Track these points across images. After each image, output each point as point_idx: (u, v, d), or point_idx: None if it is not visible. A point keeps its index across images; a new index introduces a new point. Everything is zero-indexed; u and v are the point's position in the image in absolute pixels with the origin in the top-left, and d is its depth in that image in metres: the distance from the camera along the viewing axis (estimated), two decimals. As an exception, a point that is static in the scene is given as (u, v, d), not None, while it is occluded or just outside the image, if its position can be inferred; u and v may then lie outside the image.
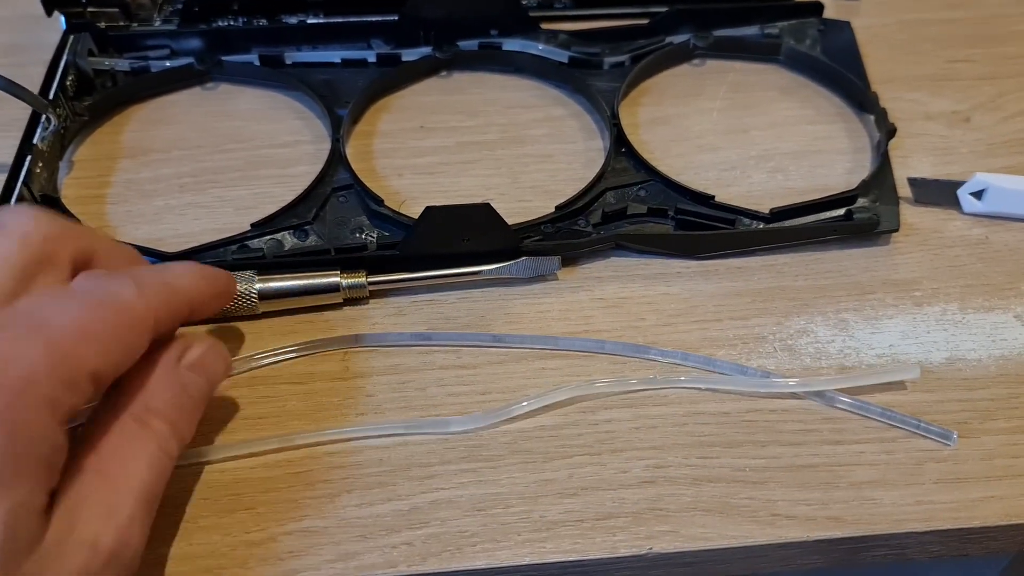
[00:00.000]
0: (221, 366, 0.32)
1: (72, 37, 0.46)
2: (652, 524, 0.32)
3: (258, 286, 0.37)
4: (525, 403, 0.34)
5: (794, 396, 0.35)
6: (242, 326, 0.37)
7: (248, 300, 0.37)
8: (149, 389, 0.29)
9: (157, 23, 0.49)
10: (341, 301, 0.38)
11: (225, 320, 0.37)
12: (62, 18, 0.47)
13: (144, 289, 0.28)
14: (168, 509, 0.32)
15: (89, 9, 0.47)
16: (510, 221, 0.38)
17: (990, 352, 0.37)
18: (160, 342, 0.30)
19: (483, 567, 0.31)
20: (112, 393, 0.29)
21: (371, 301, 0.39)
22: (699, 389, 0.35)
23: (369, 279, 0.38)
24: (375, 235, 0.40)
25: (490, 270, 0.38)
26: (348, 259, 0.38)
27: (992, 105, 0.47)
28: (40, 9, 0.46)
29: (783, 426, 0.34)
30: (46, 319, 0.26)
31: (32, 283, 0.28)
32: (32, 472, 0.24)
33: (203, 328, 0.37)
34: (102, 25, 0.47)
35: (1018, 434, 0.34)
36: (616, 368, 0.36)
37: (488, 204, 0.37)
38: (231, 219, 0.40)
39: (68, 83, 0.45)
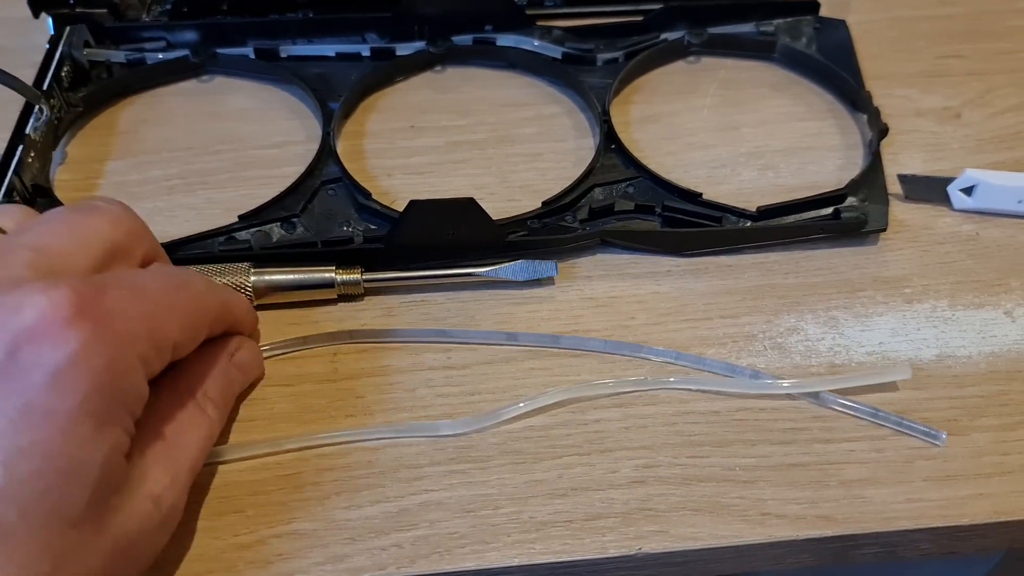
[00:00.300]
0: (258, 368, 0.36)
1: (68, 28, 0.46)
2: (642, 524, 0.32)
3: (253, 279, 0.37)
4: (522, 404, 0.35)
5: (787, 396, 0.35)
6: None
7: (242, 292, 0.37)
8: (207, 377, 0.32)
9: (148, 20, 0.48)
10: (335, 297, 0.38)
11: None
12: (50, 20, 0.47)
13: (211, 284, 0.33)
14: (157, 512, 0.32)
15: (77, 10, 0.47)
16: (499, 218, 0.39)
17: (980, 349, 0.37)
18: (211, 338, 0.33)
19: (472, 569, 0.31)
20: (171, 374, 0.31)
21: (364, 299, 0.38)
22: (690, 390, 0.35)
23: (364, 276, 0.38)
24: (362, 228, 0.40)
25: (486, 271, 0.38)
26: (334, 252, 0.38)
27: (982, 101, 0.47)
28: (27, 11, 0.46)
29: (773, 425, 0.34)
30: (144, 286, 0.29)
31: (113, 263, 0.30)
32: (127, 418, 0.27)
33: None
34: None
35: (1007, 431, 0.34)
36: (606, 367, 0.36)
37: (472, 199, 0.37)
38: (220, 221, 0.40)
39: (63, 74, 0.45)
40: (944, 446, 0.34)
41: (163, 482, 0.28)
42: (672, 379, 0.35)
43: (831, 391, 0.35)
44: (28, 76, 0.44)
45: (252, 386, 0.36)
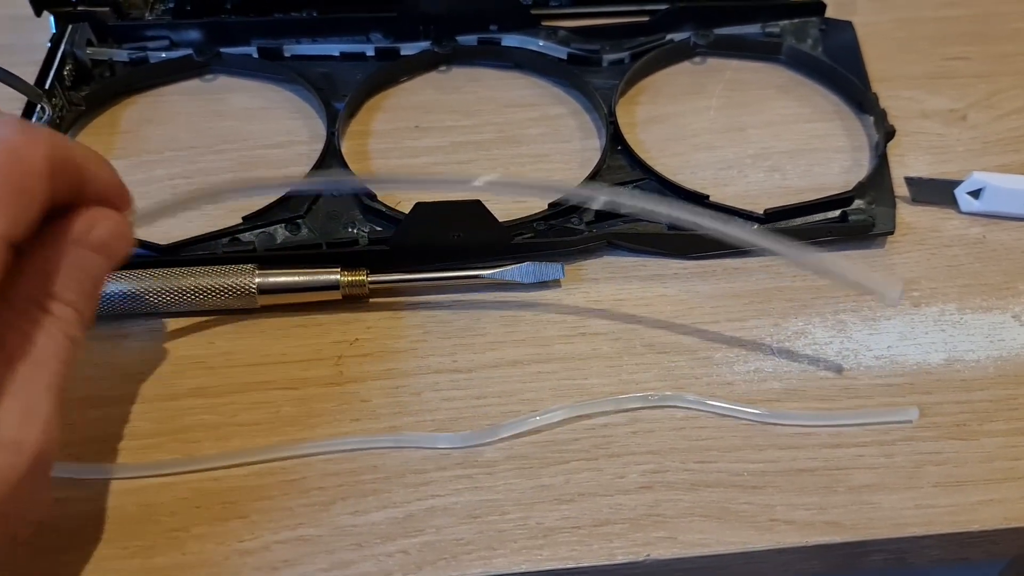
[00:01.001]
0: (123, 247, 0.29)
1: (71, 27, 0.46)
2: (650, 530, 0.31)
3: (257, 280, 0.37)
4: (536, 417, 0.34)
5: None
6: (241, 318, 0.37)
7: (247, 293, 0.37)
8: (51, 272, 0.26)
9: (150, 20, 0.48)
10: (340, 298, 0.38)
11: (225, 312, 0.37)
12: (51, 18, 0.46)
13: (34, 134, 0.25)
14: (160, 517, 0.31)
15: (79, 8, 0.47)
16: (504, 220, 0.38)
17: (988, 353, 0.37)
18: (58, 214, 0.27)
19: (479, 575, 0.30)
20: (10, 278, 0.25)
21: (370, 300, 0.38)
22: (698, 410, 0.35)
23: (369, 278, 0.37)
24: (367, 230, 0.39)
25: (492, 274, 0.38)
26: (339, 254, 0.38)
27: (988, 103, 0.47)
28: (29, 10, 0.46)
29: (780, 430, 0.34)
30: None
31: None
32: None
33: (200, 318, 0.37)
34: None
35: (1017, 436, 0.34)
36: (611, 371, 0.36)
37: (478, 200, 0.37)
38: (224, 222, 0.40)
39: (65, 73, 0.45)
40: (954, 451, 0.34)
41: (16, 424, 0.24)
42: (677, 403, 0.35)
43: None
44: (30, 74, 0.43)
45: (255, 390, 0.35)
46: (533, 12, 0.49)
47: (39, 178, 0.25)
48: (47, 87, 0.43)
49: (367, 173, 0.43)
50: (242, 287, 0.36)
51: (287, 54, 0.47)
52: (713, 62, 0.49)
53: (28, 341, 0.25)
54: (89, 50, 0.46)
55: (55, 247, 0.27)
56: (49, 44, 0.46)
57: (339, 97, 0.45)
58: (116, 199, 0.29)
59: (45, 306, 0.26)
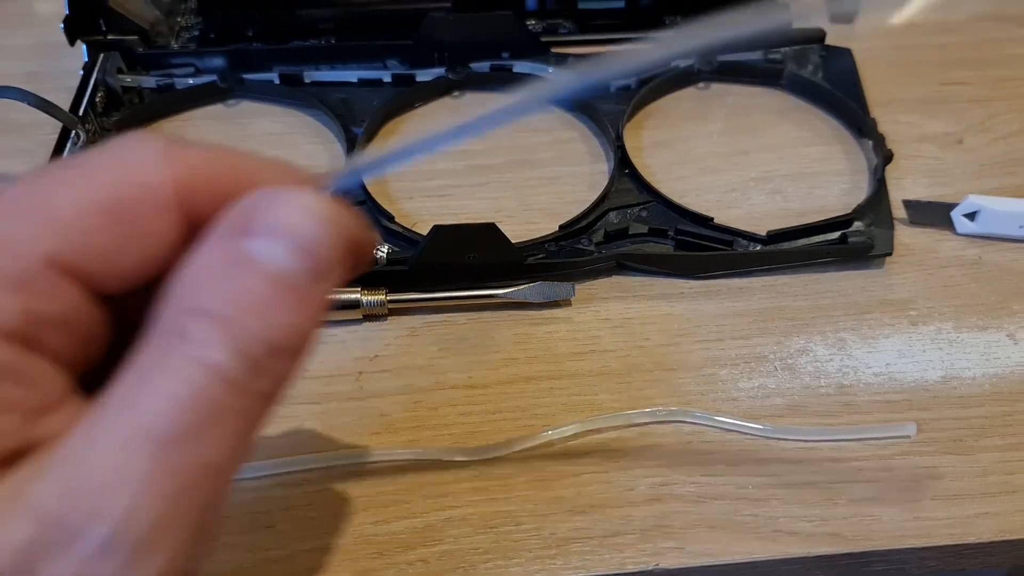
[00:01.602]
0: (325, 232, 0.19)
1: (102, 56, 0.48)
2: (658, 540, 0.33)
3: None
4: (549, 432, 0.36)
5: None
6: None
7: None
8: (188, 282, 0.18)
9: (176, 48, 0.50)
10: (360, 317, 0.39)
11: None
12: (84, 47, 0.48)
13: (164, 150, 0.20)
14: (192, 527, 0.33)
15: (109, 37, 0.49)
16: (517, 241, 0.40)
17: (984, 370, 0.38)
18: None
19: (496, 582, 0.32)
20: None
21: (388, 319, 0.40)
22: (704, 425, 0.36)
23: (388, 297, 0.39)
24: (386, 250, 0.41)
25: (505, 293, 0.39)
26: (359, 273, 0.39)
27: (984, 127, 0.48)
28: (62, 38, 0.48)
29: (783, 445, 0.36)
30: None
31: None
32: None
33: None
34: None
35: (1012, 451, 0.35)
36: (620, 387, 0.37)
37: (493, 224, 0.38)
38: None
39: (97, 100, 0.47)
40: (952, 466, 0.35)
41: (84, 496, 0.16)
42: (690, 415, 0.36)
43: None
44: (62, 100, 0.45)
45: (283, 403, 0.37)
46: (543, 40, 0.50)
47: (151, 205, 0.19)
48: (81, 114, 0.45)
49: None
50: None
51: (307, 80, 0.49)
52: (717, 87, 0.51)
53: (137, 381, 0.18)
54: (119, 77, 0.48)
55: (198, 253, 0.19)
56: (82, 72, 0.47)
57: (357, 122, 0.47)
58: (288, 179, 0.21)
59: (171, 330, 0.18)
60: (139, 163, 0.19)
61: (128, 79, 0.48)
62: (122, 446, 0.17)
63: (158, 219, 0.19)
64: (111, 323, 0.20)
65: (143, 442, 0.17)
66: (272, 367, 0.18)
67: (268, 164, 0.21)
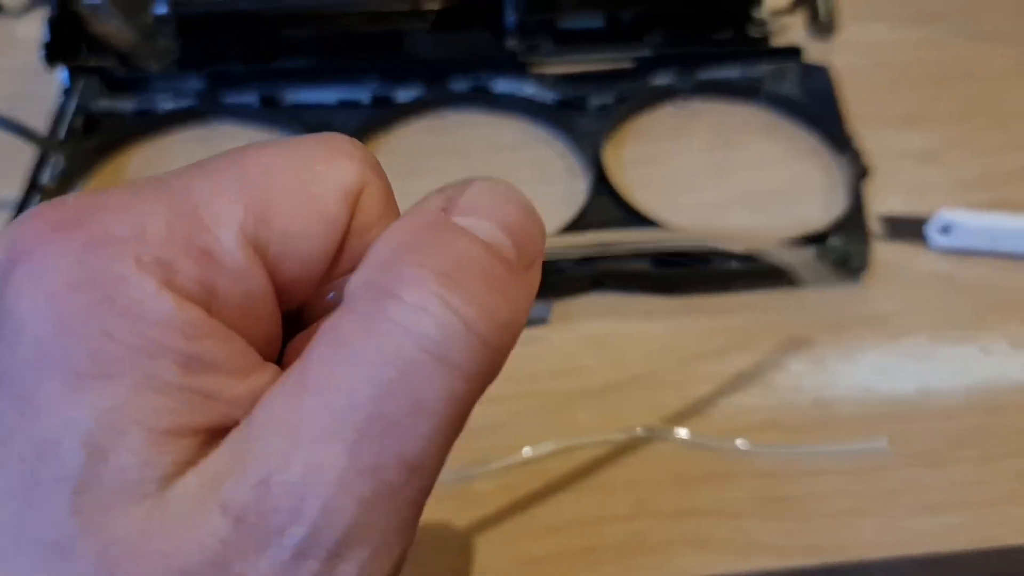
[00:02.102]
0: (530, 222, 0.18)
1: (81, 79, 0.48)
2: (635, 557, 0.33)
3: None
4: (527, 450, 0.36)
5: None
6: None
7: None
8: (395, 240, 0.17)
9: (156, 72, 0.50)
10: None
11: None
12: (64, 71, 0.49)
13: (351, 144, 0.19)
14: None
15: (89, 61, 0.49)
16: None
17: (958, 383, 0.38)
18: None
19: (472, 601, 0.32)
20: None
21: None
22: (681, 441, 0.37)
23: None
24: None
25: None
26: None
27: (961, 143, 0.49)
28: (38, 61, 0.48)
29: (760, 460, 0.36)
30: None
31: None
32: (132, 364, 0.15)
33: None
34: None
35: (984, 463, 0.36)
36: (598, 405, 0.38)
37: None
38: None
39: (77, 123, 0.47)
40: (927, 478, 0.35)
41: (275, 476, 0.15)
42: (667, 432, 0.37)
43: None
44: (41, 124, 0.46)
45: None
46: (522, 59, 0.51)
47: (327, 184, 0.17)
48: (61, 138, 0.45)
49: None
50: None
51: (286, 102, 0.49)
52: (696, 105, 0.51)
53: (332, 351, 0.16)
54: (99, 101, 0.48)
55: (402, 223, 0.17)
56: (62, 96, 0.48)
57: (337, 143, 0.47)
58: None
59: (377, 296, 0.16)
60: (337, 153, 0.18)
61: (107, 102, 0.48)
62: (319, 437, 0.15)
63: (338, 205, 0.17)
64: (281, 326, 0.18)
65: (341, 433, 0.15)
66: (492, 347, 0.16)
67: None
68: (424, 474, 0.16)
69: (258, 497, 0.15)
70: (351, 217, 0.18)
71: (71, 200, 0.16)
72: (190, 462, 0.15)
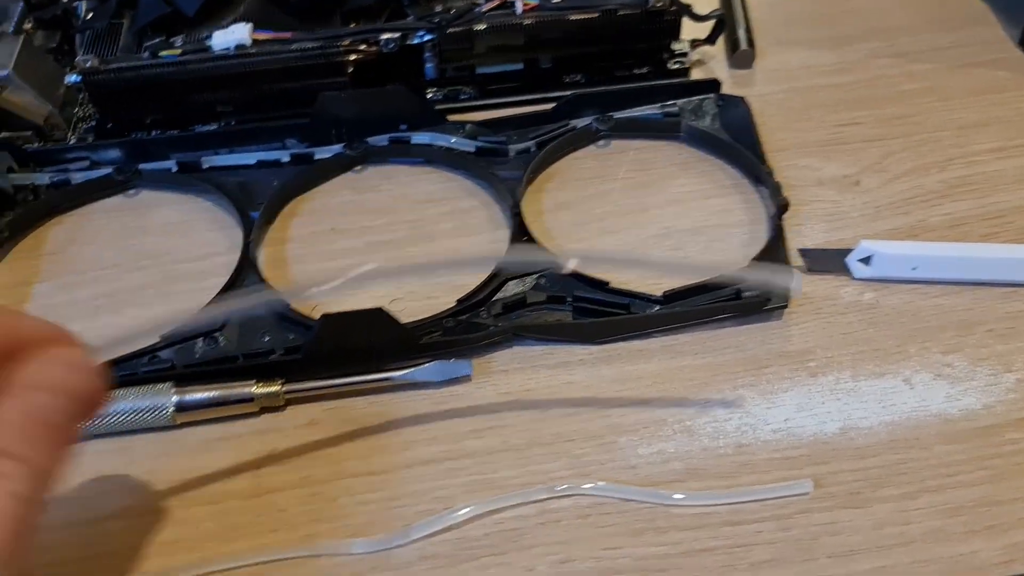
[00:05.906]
0: (84, 379, 0.27)
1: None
2: (556, 622, 0.33)
3: (175, 399, 0.38)
4: (445, 516, 0.36)
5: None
6: (163, 433, 0.39)
7: (164, 413, 0.38)
8: None
9: (72, 142, 0.50)
10: (258, 410, 0.39)
11: (143, 431, 0.39)
12: (-27, 146, 0.48)
13: None
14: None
15: (2, 134, 0.48)
16: (419, 318, 0.40)
17: (881, 418, 0.38)
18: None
19: None
20: None
21: (287, 408, 0.40)
22: (603, 496, 0.36)
23: (284, 387, 0.39)
24: (283, 339, 0.41)
25: (401, 375, 0.39)
26: (256, 365, 0.39)
27: (879, 167, 0.49)
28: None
29: (681, 511, 0.36)
30: None
31: None
32: None
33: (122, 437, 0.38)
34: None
35: (907, 500, 0.36)
36: (520, 463, 0.37)
37: (380, 308, 0.38)
38: (147, 340, 0.41)
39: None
40: (848, 520, 0.35)
41: None
42: (587, 485, 0.36)
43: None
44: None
45: (180, 505, 0.36)
46: (439, 108, 0.51)
47: None
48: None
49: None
50: (159, 408, 0.38)
51: (205, 166, 0.49)
52: (617, 144, 0.51)
53: None
54: (10, 176, 0.47)
55: None
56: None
57: (255, 205, 0.47)
58: (59, 339, 0.27)
59: None
60: None
61: (21, 177, 0.48)
62: None
63: None
64: None
65: None
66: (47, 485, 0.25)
67: (38, 326, 0.28)
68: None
69: None
70: None
71: None
72: None
